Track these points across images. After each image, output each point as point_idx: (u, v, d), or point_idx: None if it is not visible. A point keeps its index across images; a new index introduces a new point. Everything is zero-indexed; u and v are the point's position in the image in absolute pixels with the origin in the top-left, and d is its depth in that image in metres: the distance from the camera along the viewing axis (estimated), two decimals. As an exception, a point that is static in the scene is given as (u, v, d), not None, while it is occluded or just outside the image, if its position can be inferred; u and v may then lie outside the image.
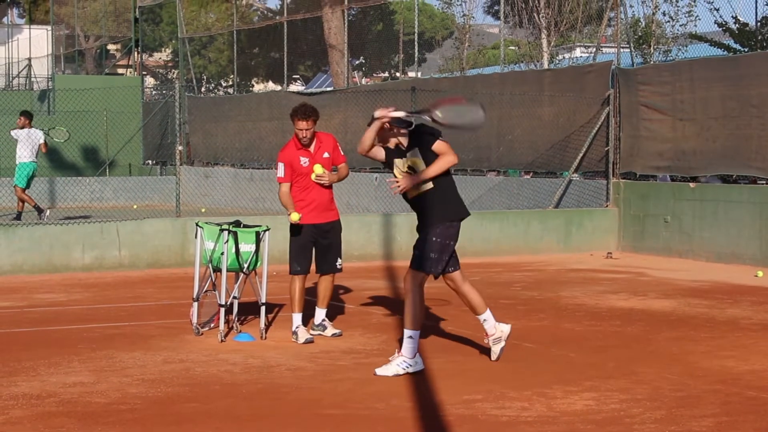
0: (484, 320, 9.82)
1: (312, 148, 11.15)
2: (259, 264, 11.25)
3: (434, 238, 9.40)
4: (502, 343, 9.88)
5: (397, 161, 9.62)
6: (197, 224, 11.30)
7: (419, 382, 9.10)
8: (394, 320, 12.52)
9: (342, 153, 11.43)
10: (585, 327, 12.17)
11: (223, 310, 11.07)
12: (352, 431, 7.64)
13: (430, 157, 9.46)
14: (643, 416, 7.97)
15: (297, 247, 11.19)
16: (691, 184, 19.58)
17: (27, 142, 22.56)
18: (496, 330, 9.85)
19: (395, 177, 9.62)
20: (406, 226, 19.16)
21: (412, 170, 9.51)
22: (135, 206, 28.73)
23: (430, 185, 9.46)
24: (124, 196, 31.51)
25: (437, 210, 9.47)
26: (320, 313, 11.46)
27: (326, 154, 11.20)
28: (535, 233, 20.31)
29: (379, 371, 9.28)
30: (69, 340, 11.15)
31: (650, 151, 20.60)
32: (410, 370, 9.24)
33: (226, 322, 11.21)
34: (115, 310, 13.33)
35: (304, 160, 11.10)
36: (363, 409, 8.19)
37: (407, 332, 9.30)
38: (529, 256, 19.74)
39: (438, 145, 9.46)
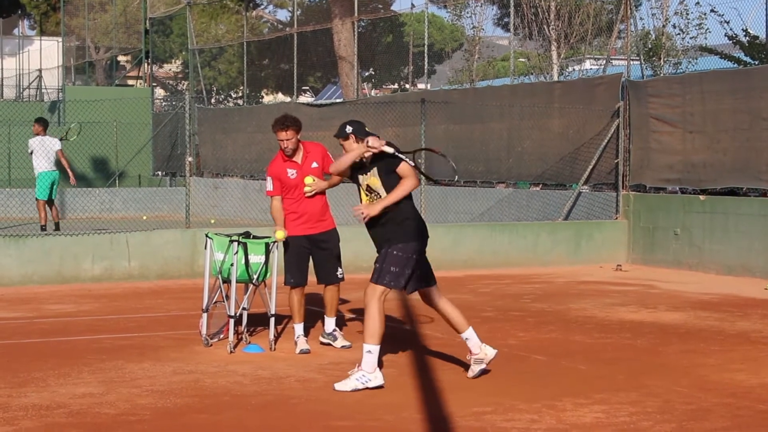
0: (467, 339, 9.69)
1: (299, 159, 11.12)
2: (268, 275, 11.25)
3: (395, 252, 9.30)
4: (483, 365, 9.71)
5: (360, 177, 9.57)
6: (207, 235, 11.31)
7: (429, 394, 9.09)
8: (404, 332, 12.51)
9: (333, 161, 11.35)
10: (595, 339, 12.14)
11: (232, 321, 11.07)
12: (361, 443, 7.64)
13: (392, 179, 9.38)
14: (653, 429, 7.96)
15: (290, 259, 11.15)
16: (701, 197, 19.55)
17: (42, 151, 22.15)
18: (480, 350, 9.70)
19: (361, 202, 9.56)
20: (416, 238, 19.13)
21: (369, 189, 9.45)
22: (145, 217, 28.74)
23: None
24: (133, 207, 31.52)
25: (398, 230, 9.37)
26: (330, 323, 11.45)
27: (315, 164, 11.17)
28: (544, 245, 20.29)
29: (338, 386, 9.14)
30: (78, 350, 11.15)
31: (660, 164, 20.58)
32: (370, 384, 9.09)
33: (236, 333, 11.21)
34: (125, 321, 13.34)
35: (291, 172, 11.09)
36: (372, 421, 8.18)
37: (366, 346, 9.16)
38: (539, 268, 19.72)
39: (402, 168, 9.36)
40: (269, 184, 11.20)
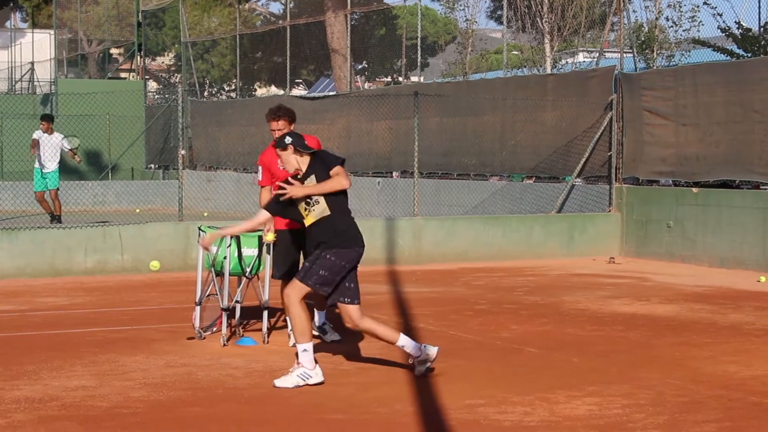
0: (403, 346, 9.47)
1: None
2: (261, 268, 11.23)
3: (328, 256, 9.10)
4: (428, 364, 9.50)
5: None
6: (200, 228, 11.29)
7: (421, 386, 9.09)
8: (398, 325, 12.50)
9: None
10: (588, 332, 12.15)
11: (225, 314, 11.07)
12: (354, 436, 7.64)
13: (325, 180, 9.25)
14: (645, 421, 7.96)
15: (278, 252, 11.07)
16: (694, 189, 19.57)
17: (49, 147, 22.55)
18: (421, 352, 9.44)
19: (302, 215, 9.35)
20: (409, 231, 19.17)
21: (308, 199, 9.23)
22: (138, 210, 28.76)
23: (327, 212, 9.18)
24: (126, 200, 31.51)
25: (335, 235, 9.16)
26: (320, 316, 11.39)
27: None
28: (537, 238, 20.31)
29: (278, 383, 9.03)
30: (71, 343, 11.14)
31: (653, 156, 20.59)
32: (310, 381, 9.00)
33: (229, 326, 11.21)
34: (118, 314, 13.33)
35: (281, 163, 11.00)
36: (365, 414, 8.18)
37: (299, 346, 9.03)
38: (532, 260, 19.73)
39: (335, 169, 9.22)
40: (259, 174, 11.17)
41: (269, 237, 10.95)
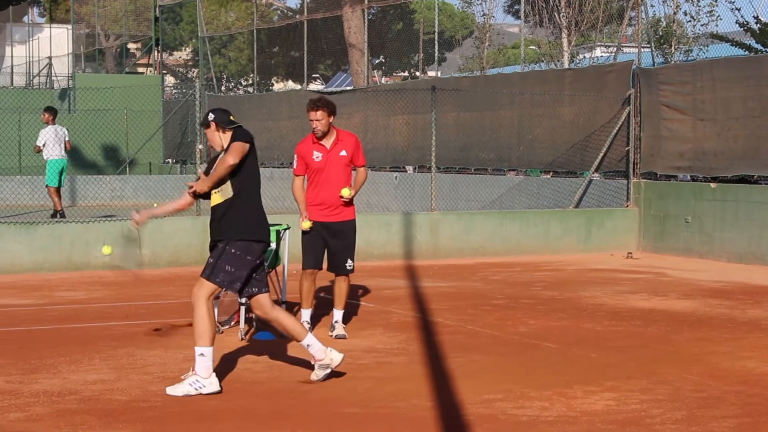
0: (308, 345, 8.96)
1: (329, 144, 11.01)
2: (279, 263, 11.25)
3: (233, 250, 8.67)
4: (328, 371, 9.01)
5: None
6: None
7: (439, 381, 9.09)
8: (415, 319, 12.52)
9: (363, 157, 11.31)
10: (605, 327, 12.13)
11: (243, 308, 11.08)
12: (372, 430, 7.64)
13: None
14: (663, 417, 7.95)
15: (306, 243, 11.06)
16: (712, 185, 19.51)
17: (54, 139, 22.51)
18: (325, 356, 8.96)
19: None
20: (427, 225, 19.17)
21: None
22: (155, 205, 28.73)
23: (230, 194, 8.77)
24: (144, 194, 31.54)
25: (236, 224, 8.73)
26: (336, 314, 11.38)
27: (343, 152, 11.05)
28: (555, 233, 20.27)
29: (169, 390, 8.57)
30: (89, 337, 11.18)
31: (671, 151, 20.54)
32: (204, 390, 8.48)
33: (247, 320, 11.22)
34: (135, 308, 13.36)
35: (317, 155, 10.98)
36: (383, 408, 8.18)
37: (197, 349, 8.55)
38: (550, 255, 19.70)
39: (231, 145, 8.71)
40: (294, 162, 11.16)
41: (305, 225, 10.95)
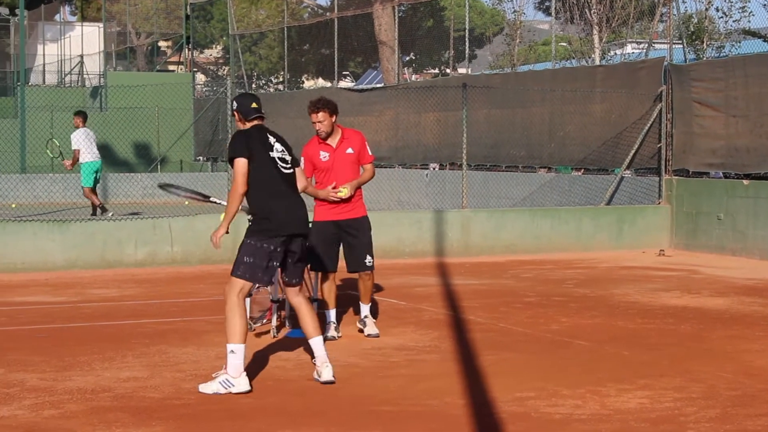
0: (312, 346, 8.98)
1: (334, 143, 10.93)
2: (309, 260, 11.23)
3: (248, 240, 8.83)
4: (319, 379, 8.92)
5: None
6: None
7: (472, 379, 9.08)
8: (447, 317, 12.51)
9: (370, 153, 11.22)
10: (638, 325, 12.09)
11: (275, 305, 11.10)
12: (405, 428, 7.63)
13: None
14: (697, 415, 7.92)
15: (317, 245, 10.86)
16: (745, 182, 19.41)
17: (86, 142, 22.71)
18: (321, 364, 8.90)
19: None
20: (458, 223, 19.15)
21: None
22: (187, 203, 28.85)
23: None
24: (175, 192, 31.59)
25: (258, 221, 8.89)
26: (363, 309, 11.31)
27: (350, 150, 10.95)
28: (586, 230, 20.21)
29: (202, 387, 8.63)
30: (122, 335, 11.22)
31: (703, 148, 20.44)
32: (233, 390, 8.49)
33: (279, 317, 11.24)
34: (168, 306, 13.41)
35: (324, 155, 10.91)
36: (416, 406, 8.18)
37: (228, 346, 8.58)
38: (581, 253, 19.65)
39: (234, 164, 8.82)
40: (302, 165, 11.13)
41: (344, 192, 10.86)
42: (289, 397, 8.44)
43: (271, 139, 9.00)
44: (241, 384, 8.57)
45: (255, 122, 8.99)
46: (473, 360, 9.95)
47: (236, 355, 8.56)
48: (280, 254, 8.82)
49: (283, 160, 9.00)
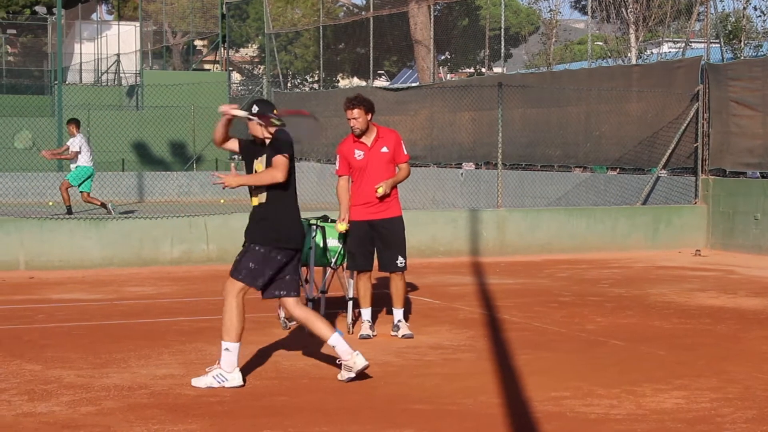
0: (334, 346, 8.91)
1: (369, 142, 10.92)
2: (346, 259, 11.26)
3: (257, 247, 8.77)
4: (352, 374, 8.87)
5: (254, 162, 9.00)
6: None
7: (507, 378, 9.07)
8: (482, 316, 12.50)
9: (405, 152, 11.20)
10: (674, 325, 12.04)
11: (311, 304, 11.11)
12: (440, 426, 7.63)
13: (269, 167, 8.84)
14: (734, 415, 7.88)
15: (352, 244, 10.96)
16: (782, 181, 19.31)
17: (85, 147, 22.90)
18: (350, 357, 8.85)
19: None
20: (493, 222, 19.12)
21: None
22: (222, 201, 28.96)
23: (264, 198, 8.84)
24: (211, 190, 31.69)
25: (266, 228, 8.79)
26: (396, 314, 11.23)
27: (385, 149, 10.92)
28: (622, 230, 20.14)
29: (194, 381, 8.73)
30: (158, 332, 11.27)
31: (740, 148, 20.34)
32: (226, 384, 8.60)
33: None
34: (204, 304, 13.45)
35: (358, 153, 10.90)
36: (451, 405, 8.18)
37: (223, 344, 8.66)
38: (617, 252, 19.59)
39: (275, 159, 8.74)
40: (337, 163, 11.12)
41: (341, 227, 10.95)
42: (325, 395, 8.46)
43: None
44: (235, 378, 8.68)
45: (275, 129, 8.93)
46: (508, 359, 9.94)
47: (231, 352, 8.68)
48: (281, 264, 8.83)
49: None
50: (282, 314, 11.40)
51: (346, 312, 11.39)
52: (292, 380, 8.95)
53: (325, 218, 11.27)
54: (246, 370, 9.24)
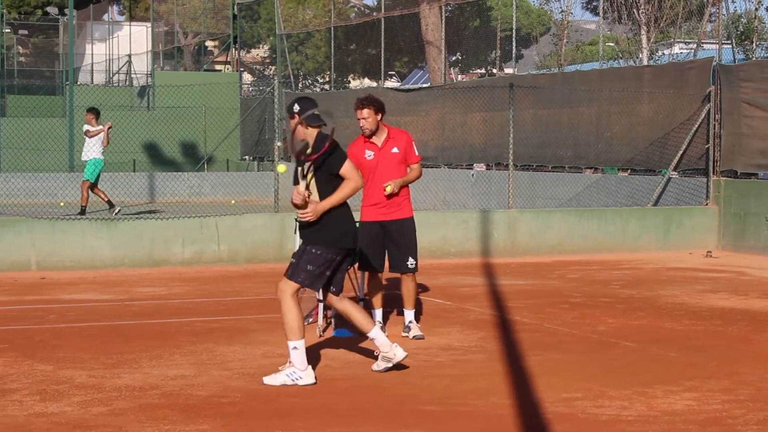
0: (374, 338, 9.20)
1: (380, 142, 10.90)
2: (357, 260, 11.25)
3: (314, 250, 8.88)
4: (389, 364, 9.18)
5: (299, 169, 8.99)
6: (296, 219, 11.35)
7: (518, 379, 9.07)
8: (493, 317, 12.49)
9: (417, 153, 11.17)
10: (685, 326, 12.03)
11: (321, 305, 11.12)
12: (450, 427, 7.63)
13: (331, 185, 8.92)
14: (745, 417, 7.87)
15: (364, 244, 10.77)
16: (794, 183, 19.27)
17: (96, 139, 22.91)
18: (390, 349, 9.15)
19: (299, 193, 8.92)
20: (504, 223, 19.11)
21: (307, 182, 8.92)
22: (233, 201, 29.00)
23: (317, 200, 8.94)
24: (222, 191, 31.78)
25: (321, 230, 8.90)
26: (407, 315, 11.22)
27: (395, 149, 10.91)
28: (633, 231, 20.12)
29: (267, 380, 8.85)
30: (170, 333, 11.29)
31: (752, 149, 20.30)
32: (300, 382, 8.73)
33: (325, 317, 11.26)
34: (215, 305, 13.47)
35: (369, 154, 10.88)
36: (462, 406, 8.18)
37: (290, 344, 8.78)
38: (628, 254, 19.56)
39: (344, 168, 8.91)
40: None
41: (280, 168, 10.94)
42: (336, 397, 8.47)
43: None
44: (309, 376, 8.81)
45: (316, 129, 9.00)
46: (519, 360, 9.94)
47: (299, 350, 8.80)
48: (337, 264, 9.02)
49: None
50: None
51: (357, 313, 11.37)
52: (303, 381, 8.95)
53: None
54: (257, 370, 9.26)
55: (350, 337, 10.94)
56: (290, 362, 8.86)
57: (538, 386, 8.78)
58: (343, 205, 9.02)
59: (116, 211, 22.17)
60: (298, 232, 11.15)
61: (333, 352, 10.20)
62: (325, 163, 8.88)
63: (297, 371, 8.78)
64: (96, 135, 22.84)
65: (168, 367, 9.50)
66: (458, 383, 8.96)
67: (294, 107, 9.02)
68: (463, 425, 7.67)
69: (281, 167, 10.88)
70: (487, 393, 8.55)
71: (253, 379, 8.99)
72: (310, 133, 8.91)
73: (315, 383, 8.79)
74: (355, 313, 9.18)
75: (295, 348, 8.79)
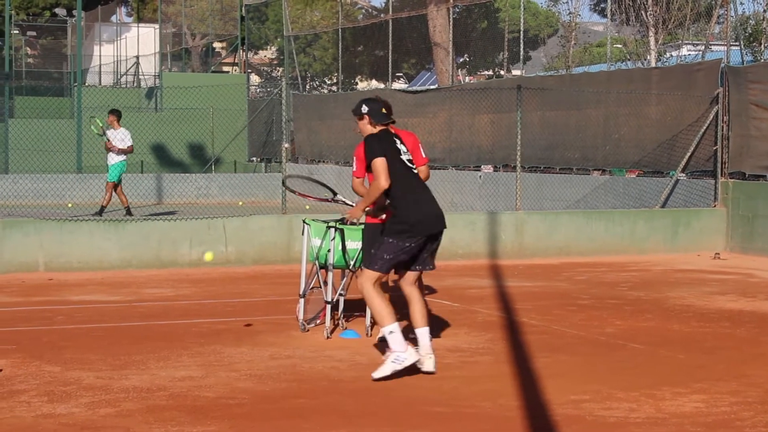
0: (418, 336, 9.30)
1: None
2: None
3: (390, 239, 9.16)
4: (399, 367, 9.02)
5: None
6: (304, 221, 11.37)
7: (526, 381, 9.06)
8: (500, 319, 12.48)
9: (424, 155, 11.16)
10: (693, 328, 12.01)
11: (329, 306, 11.12)
12: (458, 429, 7.62)
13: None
14: (754, 419, 7.85)
15: (366, 246, 10.83)
16: (802, 185, 19.22)
17: (118, 142, 23.01)
18: (404, 348, 9.05)
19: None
20: (511, 225, 19.10)
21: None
22: (241, 203, 29.02)
23: (386, 201, 9.34)
24: (229, 192, 31.81)
25: (393, 221, 9.24)
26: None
27: None
28: (641, 233, 20.10)
29: (376, 374, 8.95)
30: (177, 334, 11.29)
31: (760, 151, 20.27)
32: (406, 362, 8.91)
33: (332, 318, 11.26)
34: (222, 306, 13.47)
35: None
36: (469, 407, 8.17)
37: (384, 330, 9.00)
38: (635, 256, 19.54)
39: (372, 164, 9.27)
40: (354, 165, 11.11)
41: (208, 257, 11.09)
42: (343, 398, 8.46)
43: (398, 142, 9.46)
44: (411, 354, 8.97)
45: (384, 126, 9.48)
46: (527, 362, 9.93)
47: (395, 333, 8.98)
48: (415, 249, 9.24)
49: (410, 161, 9.48)
50: (301, 316, 11.41)
51: (365, 315, 11.38)
52: (310, 382, 8.95)
53: (343, 221, 11.26)
54: (265, 372, 9.27)
55: (358, 339, 10.95)
56: (389, 349, 8.98)
57: (546, 388, 8.77)
58: (414, 196, 9.31)
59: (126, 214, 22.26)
60: (305, 234, 11.20)
61: (340, 354, 10.20)
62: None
63: (400, 354, 8.93)
64: (113, 148, 22.98)
65: (175, 368, 9.50)
66: (466, 385, 8.95)
67: (362, 108, 9.46)
68: (471, 427, 7.66)
69: (208, 255, 11.13)
70: (495, 395, 8.55)
71: (260, 380, 8.99)
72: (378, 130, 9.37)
73: (420, 360, 9.02)
74: (416, 304, 9.35)
75: (391, 332, 8.97)
